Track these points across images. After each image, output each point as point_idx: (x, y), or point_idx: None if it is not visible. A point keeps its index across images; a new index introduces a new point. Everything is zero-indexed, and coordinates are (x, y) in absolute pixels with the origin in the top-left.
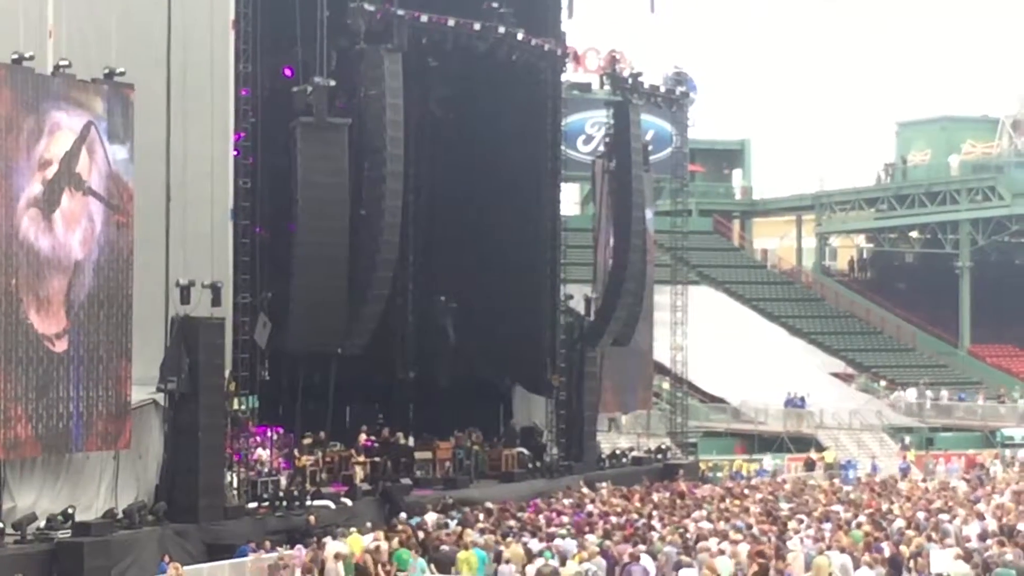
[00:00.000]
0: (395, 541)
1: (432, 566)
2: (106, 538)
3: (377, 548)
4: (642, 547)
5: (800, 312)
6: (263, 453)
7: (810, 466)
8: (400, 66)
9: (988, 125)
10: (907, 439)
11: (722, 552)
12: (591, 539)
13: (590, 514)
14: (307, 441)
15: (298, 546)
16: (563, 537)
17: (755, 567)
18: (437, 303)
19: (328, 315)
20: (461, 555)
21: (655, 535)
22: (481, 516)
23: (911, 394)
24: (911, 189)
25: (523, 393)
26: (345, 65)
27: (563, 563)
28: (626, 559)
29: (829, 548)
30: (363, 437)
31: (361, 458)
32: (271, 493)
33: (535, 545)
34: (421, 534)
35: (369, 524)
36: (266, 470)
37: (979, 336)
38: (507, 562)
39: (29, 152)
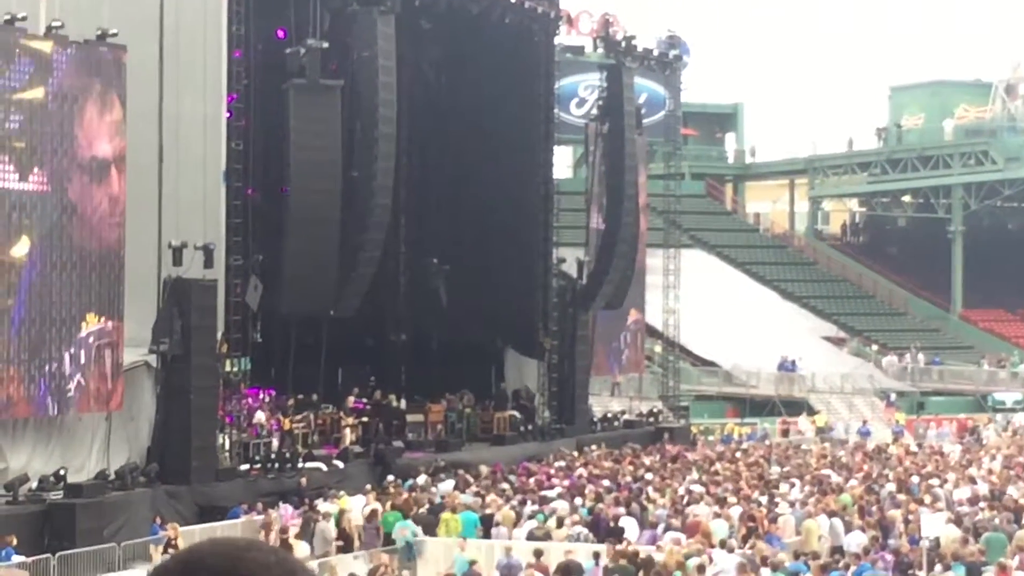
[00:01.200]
0: (388, 504)
1: (419, 527)
2: (98, 500)
3: (372, 512)
4: (634, 508)
5: (792, 276)
6: (261, 416)
7: (785, 433)
8: (393, 28)
9: (981, 89)
10: (892, 396)
11: (717, 516)
12: (579, 503)
13: (580, 476)
14: (291, 403)
15: (284, 505)
16: (552, 500)
17: (744, 530)
18: (429, 265)
19: (320, 277)
20: (444, 515)
21: (645, 498)
22: (471, 479)
23: (907, 359)
24: (904, 153)
25: (515, 356)
26: (338, 27)
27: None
28: (613, 521)
29: (821, 512)
30: (351, 400)
31: (351, 420)
32: (263, 455)
33: (526, 508)
34: (411, 496)
35: (368, 486)
36: (264, 433)
37: (971, 301)
38: (497, 524)
39: None
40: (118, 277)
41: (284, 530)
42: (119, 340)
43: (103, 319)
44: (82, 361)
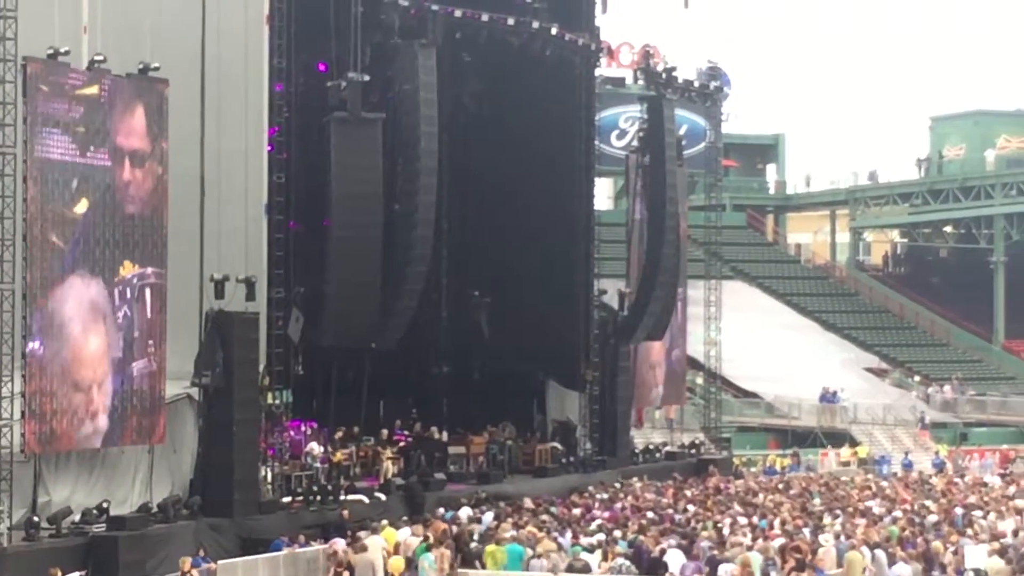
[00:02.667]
0: (425, 535)
1: (460, 559)
2: (141, 532)
3: (405, 543)
4: (676, 540)
5: (834, 307)
6: (316, 447)
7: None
8: (434, 61)
9: (1022, 119)
10: (927, 418)
11: (754, 548)
12: (618, 535)
13: (624, 508)
14: (338, 435)
15: (338, 539)
16: (592, 533)
17: (792, 562)
18: (471, 298)
19: (362, 310)
20: (488, 549)
21: (690, 529)
22: (512, 511)
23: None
24: (945, 184)
25: (556, 388)
26: (379, 60)
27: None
28: (656, 553)
29: (863, 543)
30: (393, 432)
31: (392, 452)
32: (305, 487)
33: (567, 540)
34: (454, 528)
35: (405, 519)
36: (317, 464)
37: (1013, 331)
38: (539, 556)
39: None
40: (159, 232)
41: (341, 564)
42: (163, 287)
43: (140, 267)
44: (125, 394)
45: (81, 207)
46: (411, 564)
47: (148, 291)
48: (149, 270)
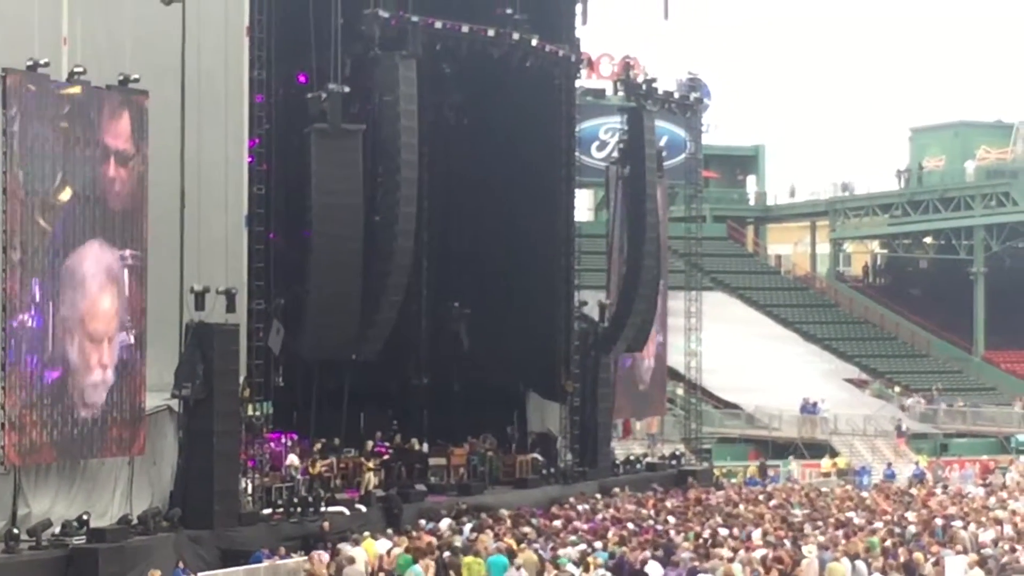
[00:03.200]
0: (404, 547)
1: (442, 571)
2: (121, 544)
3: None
4: (658, 552)
5: (814, 318)
6: (295, 459)
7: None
8: (414, 72)
9: (1002, 131)
10: (904, 426)
11: (736, 559)
12: (598, 547)
13: (604, 520)
14: (317, 447)
15: (319, 552)
16: (574, 544)
17: (775, 573)
18: (451, 309)
19: (342, 321)
20: (466, 560)
21: (669, 541)
22: (492, 523)
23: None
24: (925, 195)
25: (537, 399)
26: (359, 71)
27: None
28: (637, 565)
29: (844, 555)
30: (370, 444)
31: (373, 464)
32: (285, 499)
33: (548, 552)
34: (434, 540)
35: (390, 531)
36: (299, 476)
37: (993, 342)
38: (519, 568)
39: None
40: (141, 213)
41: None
42: (143, 270)
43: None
44: (104, 406)
45: (65, 195)
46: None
47: (127, 272)
48: (128, 252)
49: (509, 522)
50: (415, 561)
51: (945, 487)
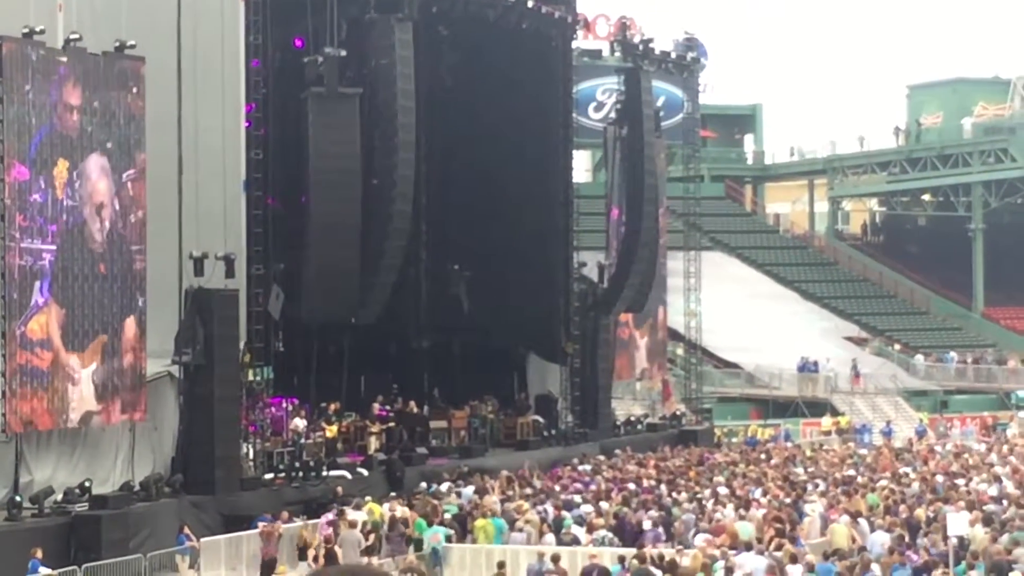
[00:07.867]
0: (413, 511)
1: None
2: (123, 511)
3: (397, 519)
4: (655, 513)
5: (813, 276)
6: (300, 423)
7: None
8: (411, 35)
9: (1000, 87)
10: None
11: (741, 517)
12: (605, 507)
13: (606, 480)
14: (332, 409)
15: (326, 515)
16: (578, 505)
17: (772, 532)
18: (450, 272)
19: (342, 285)
20: (478, 523)
21: (670, 501)
22: (495, 484)
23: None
24: (923, 152)
25: (537, 361)
26: (356, 35)
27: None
28: (638, 524)
29: (846, 512)
30: (376, 407)
31: (375, 428)
32: (287, 464)
33: (551, 512)
34: (436, 502)
35: (393, 494)
36: (302, 440)
37: (992, 299)
38: (521, 530)
39: None
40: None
41: (328, 539)
42: (142, 350)
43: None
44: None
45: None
46: (400, 536)
47: (131, 185)
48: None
49: (507, 483)
50: (429, 524)
51: (944, 444)
